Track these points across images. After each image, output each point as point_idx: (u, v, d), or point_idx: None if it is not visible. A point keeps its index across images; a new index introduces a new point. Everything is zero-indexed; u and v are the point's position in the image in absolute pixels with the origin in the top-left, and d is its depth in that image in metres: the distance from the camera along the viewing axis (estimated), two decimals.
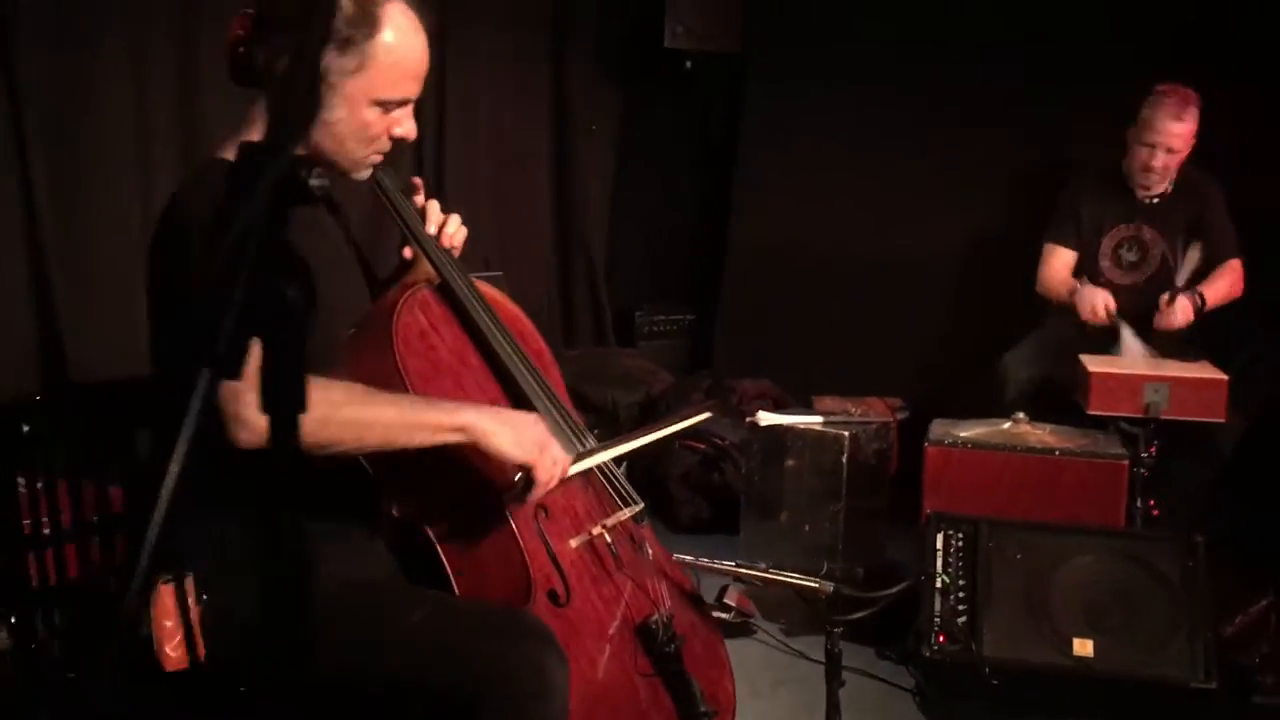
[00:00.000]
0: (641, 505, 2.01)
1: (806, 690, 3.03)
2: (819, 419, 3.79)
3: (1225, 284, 3.88)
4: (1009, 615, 3.00)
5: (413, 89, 1.86)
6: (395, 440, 1.77)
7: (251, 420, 1.64)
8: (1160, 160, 3.83)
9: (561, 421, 2.02)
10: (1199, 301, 3.79)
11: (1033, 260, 4.17)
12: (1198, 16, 4.26)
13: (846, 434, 3.70)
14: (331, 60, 1.79)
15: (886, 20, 4.80)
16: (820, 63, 4.94)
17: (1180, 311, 3.75)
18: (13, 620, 1.93)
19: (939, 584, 3.08)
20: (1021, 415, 3.46)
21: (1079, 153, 4.36)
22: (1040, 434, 3.40)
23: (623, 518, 2.00)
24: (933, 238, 4.84)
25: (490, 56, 4.86)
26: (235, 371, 1.29)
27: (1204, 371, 3.48)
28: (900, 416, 4.47)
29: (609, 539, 2.01)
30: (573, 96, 5.23)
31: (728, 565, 2.04)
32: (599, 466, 2.04)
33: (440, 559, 1.93)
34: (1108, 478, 3.25)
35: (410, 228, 2.04)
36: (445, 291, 2.04)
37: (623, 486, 2.04)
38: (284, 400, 1.66)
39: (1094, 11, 4.49)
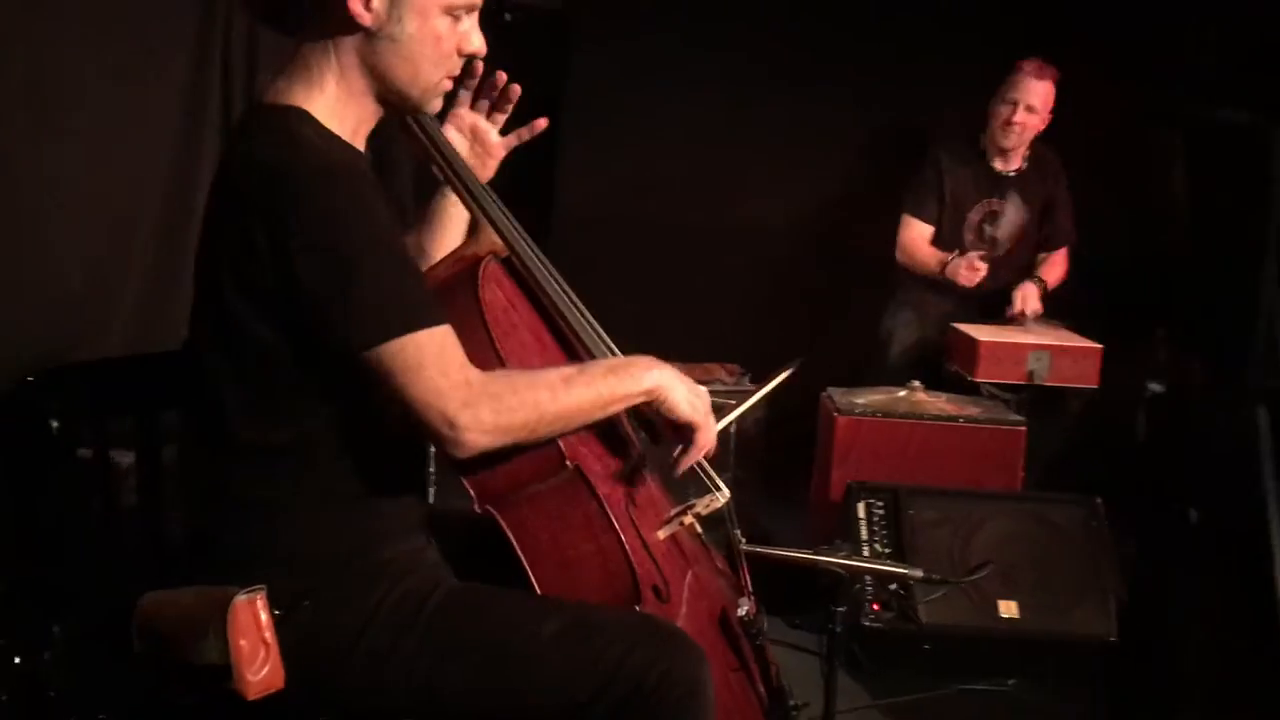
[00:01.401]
0: (728, 493, 1.88)
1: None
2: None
3: (1060, 270, 4.15)
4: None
5: None
6: (596, 418, 1.67)
7: (474, 434, 1.53)
8: (1020, 116, 3.99)
9: None
10: (1043, 287, 4.04)
11: (878, 227, 4.28)
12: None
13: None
14: None
15: None
16: (651, 20, 4.83)
17: (1031, 298, 3.98)
18: None
19: (866, 553, 3.11)
20: (917, 384, 3.54)
21: (927, 119, 4.49)
22: (938, 402, 3.49)
23: (716, 504, 1.87)
24: (769, 204, 4.86)
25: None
26: None
27: (1079, 340, 3.68)
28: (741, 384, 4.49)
29: (699, 528, 1.88)
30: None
31: (806, 554, 1.94)
32: None
33: (519, 556, 1.73)
34: (1007, 443, 3.38)
35: (468, 185, 1.82)
36: (512, 262, 1.83)
37: (707, 471, 1.91)
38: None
39: None
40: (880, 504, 3.17)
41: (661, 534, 1.83)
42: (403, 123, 1.78)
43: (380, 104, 1.67)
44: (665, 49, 4.83)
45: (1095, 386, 3.66)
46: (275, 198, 1.50)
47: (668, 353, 1.77)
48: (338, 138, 1.63)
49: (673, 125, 4.89)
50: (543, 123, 1.98)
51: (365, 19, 1.58)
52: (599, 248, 5.03)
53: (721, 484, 1.88)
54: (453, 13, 1.62)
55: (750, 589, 1.94)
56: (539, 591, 1.70)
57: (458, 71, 1.69)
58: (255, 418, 1.60)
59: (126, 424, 1.80)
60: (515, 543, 1.72)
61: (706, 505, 1.84)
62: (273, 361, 1.57)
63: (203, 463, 1.67)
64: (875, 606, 3.02)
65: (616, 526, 1.73)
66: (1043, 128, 4.06)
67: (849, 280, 4.52)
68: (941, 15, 4.57)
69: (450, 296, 1.74)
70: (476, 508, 1.72)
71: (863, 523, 3.15)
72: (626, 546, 1.73)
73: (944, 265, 4.02)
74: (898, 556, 3.07)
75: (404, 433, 1.60)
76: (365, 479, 1.64)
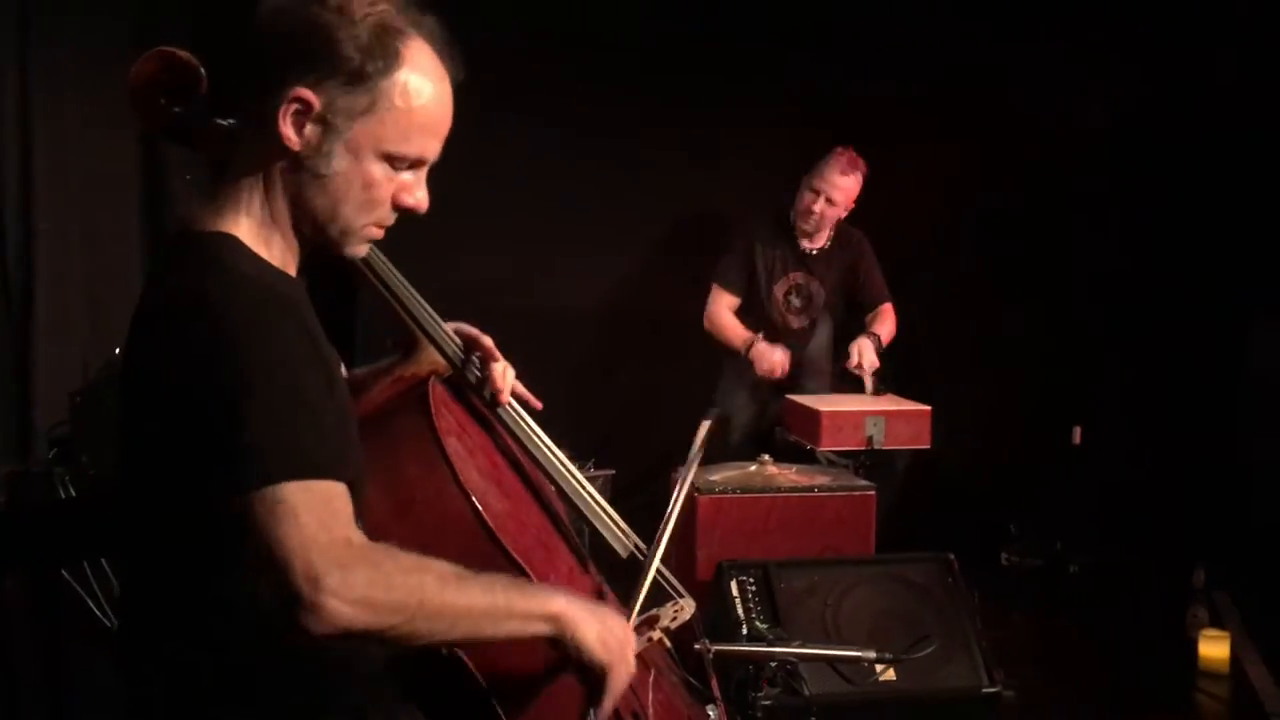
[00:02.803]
0: (693, 602, 1.83)
1: None
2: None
3: (890, 324, 4.34)
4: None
5: (431, 148, 1.52)
6: (482, 632, 1.45)
7: (338, 601, 1.29)
8: (820, 207, 4.19)
9: (603, 514, 1.81)
10: (878, 342, 4.21)
11: (683, 307, 4.41)
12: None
13: None
14: (336, 96, 1.44)
15: (532, 56, 4.71)
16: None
17: (868, 352, 4.13)
18: None
19: (744, 631, 3.12)
20: (766, 457, 3.61)
21: (731, 200, 4.63)
22: (789, 474, 3.57)
23: (683, 615, 1.81)
24: (578, 284, 4.86)
25: (75, 81, 4.22)
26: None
27: (909, 404, 3.85)
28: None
29: (667, 642, 1.83)
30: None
31: (764, 649, 1.92)
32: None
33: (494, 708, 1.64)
34: (859, 509, 3.49)
35: (412, 314, 1.74)
36: (456, 382, 1.76)
37: (668, 579, 1.86)
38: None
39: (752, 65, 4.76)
40: (751, 580, 3.19)
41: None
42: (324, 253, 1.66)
43: (299, 237, 1.54)
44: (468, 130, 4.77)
45: (927, 447, 3.82)
46: (186, 329, 1.37)
47: None
48: (269, 264, 1.50)
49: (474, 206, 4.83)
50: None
51: (294, 144, 1.45)
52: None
53: (684, 591, 1.84)
54: (392, 161, 1.49)
55: (719, 695, 1.90)
56: None
57: (389, 222, 1.54)
58: (182, 593, 1.46)
59: None
60: (480, 679, 1.62)
61: (673, 617, 1.79)
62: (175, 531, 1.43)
63: (136, 631, 1.51)
64: (764, 684, 3.03)
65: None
66: (844, 215, 4.28)
67: (669, 356, 4.58)
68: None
69: (396, 424, 1.64)
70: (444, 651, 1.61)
71: (737, 600, 3.15)
72: None
73: (747, 346, 4.16)
74: (777, 630, 3.09)
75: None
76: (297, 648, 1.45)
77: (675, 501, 1.92)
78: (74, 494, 2.74)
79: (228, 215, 1.49)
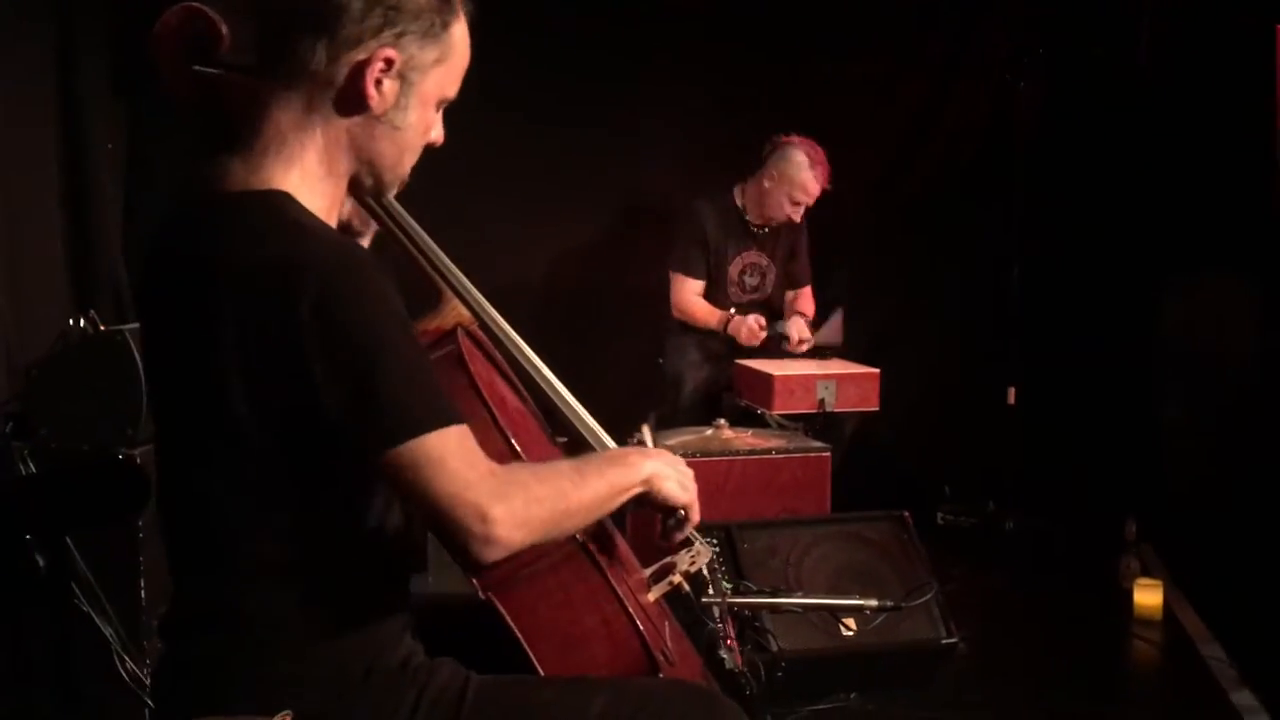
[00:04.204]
0: (709, 548, 1.87)
1: None
2: None
3: (812, 306, 4.50)
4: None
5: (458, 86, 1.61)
6: (602, 513, 1.59)
7: (508, 528, 1.41)
8: (800, 214, 4.30)
9: None
10: (808, 320, 4.36)
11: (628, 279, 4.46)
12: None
13: None
14: (414, 51, 1.48)
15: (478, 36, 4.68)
16: None
17: (804, 329, 4.28)
18: None
19: (710, 592, 3.16)
20: (722, 421, 3.66)
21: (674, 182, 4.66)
22: (745, 437, 3.63)
23: (700, 560, 1.86)
24: (524, 262, 4.85)
25: None
26: None
27: (858, 367, 3.94)
28: None
29: (686, 586, 1.86)
30: (82, 110, 4.52)
31: (770, 600, 1.96)
32: None
33: (519, 640, 1.66)
34: (815, 470, 3.56)
35: (433, 260, 1.73)
36: (478, 334, 1.77)
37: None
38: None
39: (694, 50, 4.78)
40: (714, 542, 3.23)
41: (653, 596, 1.80)
42: (360, 200, 1.66)
43: (349, 186, 1.57)
44: None
45: (876, 409, 3.91)
46: (290, 296, 1.36)
47: None
48: (325, 221, 1.51)
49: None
50: None
51: (373, 101, 1.47)
52: None
53: (698, 536, 1.87)
54: (441, 105, 1.57)
55: (735, 642, 1.94)
56: (542, 674, 1.64)
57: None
58: (254, 535, 1.46)
59: None
60: (515, 626, 1.65)
61: (690, 562, 1.84)
62: (272, 474, 1.44)
63: (194, 585, 1.49)
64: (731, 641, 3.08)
65: (619, 595, 1.70)
66: None
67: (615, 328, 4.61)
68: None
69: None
70: (481, 596, 1.63)
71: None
72: (633, 616, 1.70)
73: (725, 323, 4.23)
74: (741, 589, 3.15)
75: (399, 537, 1.54)
76: (367, 588, 1.54)
77: None
78: (34, 469, 2.67)
79: (275, 171, 1.48)
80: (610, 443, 1.85)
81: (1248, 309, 4.46)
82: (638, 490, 1.63)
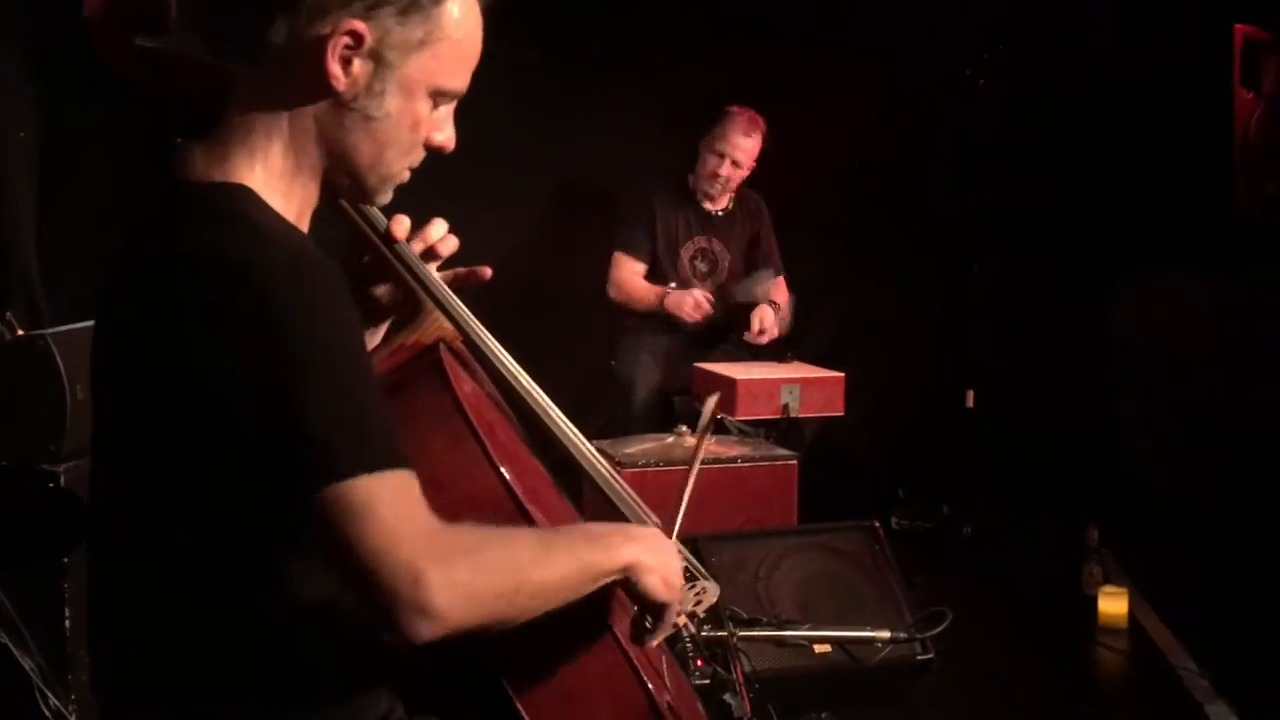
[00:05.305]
0: (717, 586, 1.71)
1: None
2: None
3: (784, 295, 4.32)
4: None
5: (466, 81, 1.39)
6: (567, 599, 1.33)
7: (446, 598, 1.16)
8: (726, 170, 4.12)
9: (620, 489, 1.67)
10: (777, 310, 4.18)
11: (577, 274, 4.28)
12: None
13: None
14: (390, 27, 1.28)
15: None
16: None
17: (768, 319, 4.10)
18: None
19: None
20: (684, 428, 3.50)
21: (622, 167, 4.49)
22: (708, 445, 3.45)
23: (706, 600, 1.69)
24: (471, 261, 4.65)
25: None
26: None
27: (822, 371, 3.81)
28: None
29: (691, 627, 1.70)
30: None
31: (777, 634, 1.81)
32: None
33: (508, 694, 1.49)
34: (782, 478, 3.42)
35: (415, 271, 1.55)
36: (461, 350, 1.59)
37: (691, 562, 1.72)
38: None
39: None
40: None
41: (655, 640, 1.64)
42: (334, 203, 1.46)
43: (323, 187, 1.37)
44: None
45: (841, 414, 3.79)
46: (228, 295, 1.17)
47: None
48: (289, 222, 1.32)
49: None
50: (487, 272, 1.69)
51: (340, 84, 1.28)
52: None
53: (706, 573, 1.71)
54: (438, 97, 1.36)
55: (743, 683, 1.79)
56: None
57: (417, 163, 1.41)
58: (201, 578, 1.27)
59: None
60: (505, 681, 1.47)
61: (696, 601, 1.67)
62: (215, 506, 1.24)
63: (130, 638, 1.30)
64: (699, 663, 2.93)
65: (622, 643, 1.53)
66: (746, 176, 4.19)
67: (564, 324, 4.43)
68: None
69: (412, 396, 1.47)
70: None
71: None
72: (638, 668, 1.53)
73: (662, 298, 4.05)
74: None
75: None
76: (338, 644, 1.33)
77: (690, 479, 1.79)
78: None
79: (238, 164, 1.29)
80: (620, 486, 1.67)
81: (1207, 308, 4.43)
82: (614, 578, 1.40)
